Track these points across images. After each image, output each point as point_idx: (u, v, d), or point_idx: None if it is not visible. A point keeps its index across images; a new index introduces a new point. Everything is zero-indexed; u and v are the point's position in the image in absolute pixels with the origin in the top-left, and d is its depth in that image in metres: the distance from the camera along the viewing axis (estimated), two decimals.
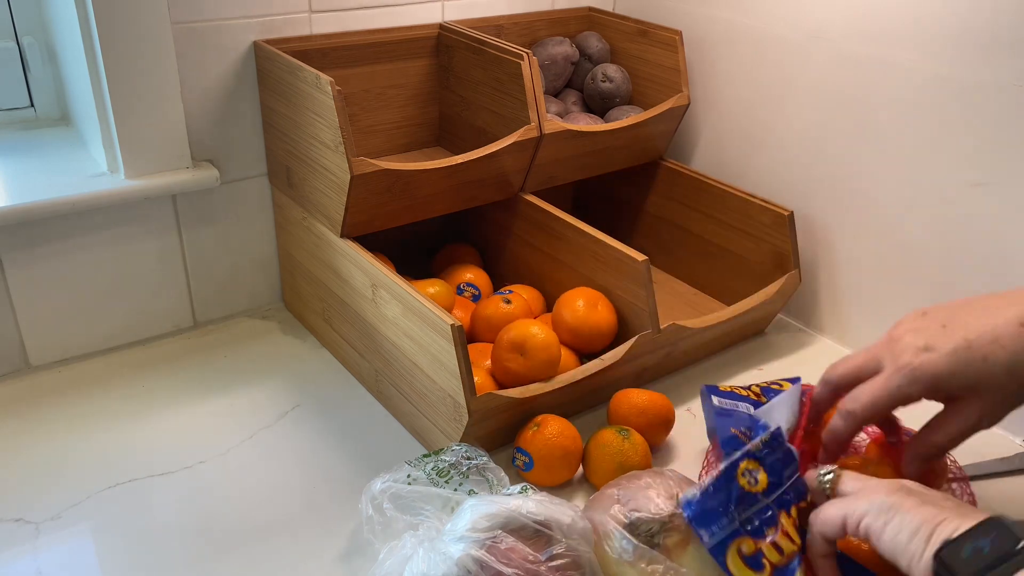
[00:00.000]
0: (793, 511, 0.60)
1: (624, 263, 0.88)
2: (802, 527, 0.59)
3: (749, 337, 1.04)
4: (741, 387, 0.79)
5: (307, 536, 0.72)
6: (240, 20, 0.89)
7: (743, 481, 0.59)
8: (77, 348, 0.93)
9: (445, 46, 1.03)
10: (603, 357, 0.85)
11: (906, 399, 0.62)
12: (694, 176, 1.09)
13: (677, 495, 0.64)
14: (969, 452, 0.83)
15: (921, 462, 0.64)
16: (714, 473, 0.60)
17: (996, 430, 0.89)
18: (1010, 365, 0.58)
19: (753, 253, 1.04)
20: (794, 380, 0.79)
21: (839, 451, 0.66)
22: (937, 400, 0.63)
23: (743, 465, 0.60)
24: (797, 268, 1.00)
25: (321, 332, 0.98)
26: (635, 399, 0.83)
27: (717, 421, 0.72)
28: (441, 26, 1.03)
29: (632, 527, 0.63)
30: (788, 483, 0.61)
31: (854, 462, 0.70)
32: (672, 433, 0.85)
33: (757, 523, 0.59)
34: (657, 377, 0.94)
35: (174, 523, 0.73)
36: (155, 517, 0.73)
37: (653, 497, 0.64)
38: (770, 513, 0.59)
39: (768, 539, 0.58)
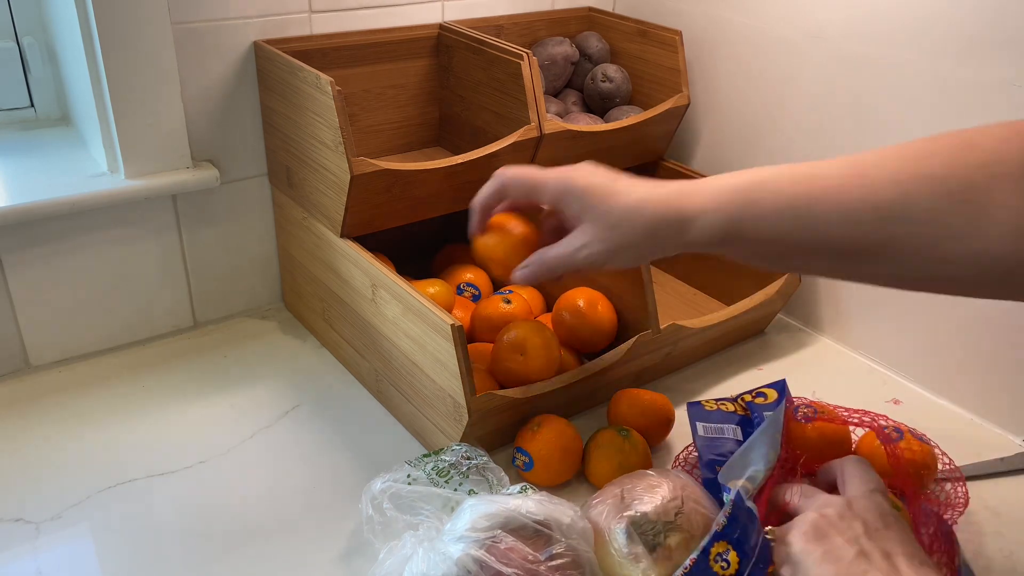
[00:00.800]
0: None
1: None
2: None
3: (749, 337, 1.04)
4: (728, 400, 0.78)
5: (307, 536, 0.72)
6: (240, 20, 0.89)
7: (716, 567, 0.60)
8: (77, 348, 0.93)
9: (445, 46, 1.03)
10: (603, 357, 0.85)
11: (543, 189, 0.66)
12: (694, 176, 1.09)
13: (680, 494, 0.64)
14: (969, 452, 0.83)
15: (532, 273, 0.69)
16: (687, 565, 0.60)
17: (996, 429, 0.90)
18: (628, 212, 0.61)
19: None
20: (778, 385, 0.78)
21: (482, 213, 0.73)
22: (567, 220, 0.66)
23: (714, 551, 0.60)
24: None
25: (321, 332, 0.98)
26: (635, 399, 0.83)
27: (702, 450, 0.72)
28: (441, 26, 1.03)
29: (634, 527, 0.63)
30: (755, 552, 0.60)
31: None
32: (672, 433, 0.85)
33: None
34: (657, 377, 0.95)
35: (174, 523, 0.73)
36: (155, 517, 0.73)
37: (656, 497, 0.64)
38: None
39: None
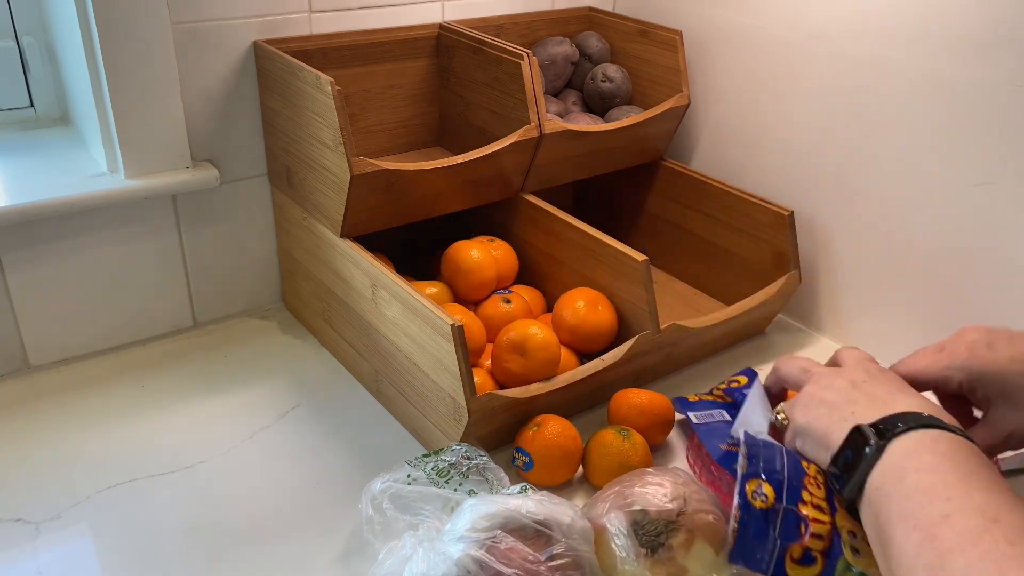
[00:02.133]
0: (805, 495, 0.61)
1: (624, 263, 0.88)
2: (819, 503, 0.61)
3: (749, 337, 1.04)
4: (706, 393, 0.83)
5: (307, 536, 0.72)
6: (240, 20, 0.89)
7: (757, 503, 0.61)
8: (77, 348, 0.93)
9: (445, 46, 1.03)
10: (603, 357, 0.85)
11: (946, 383, 0.64)
12: (694, 176, 1.09)
13: (683, 493, 0.64)
14: None
15: None
16: (734, 513, 0.61)
17: None
18: None
19: (753, 253, 1.04)
20: (747, 372, 0.83)
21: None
22: (974, 400, 0.64)
23: (748, 490, 0.62)
24: (797, 268, 1.00)
25: (321, 332, 0.98)
26: (635, 399, 0.83)
27: (704, 439, 0.74)
28: (441, 26, 1.03)
29: (637, 527, 0.63)
30: (786, 475, 0.62)
31: None
32: (672, 432, 0.85)
33: (791, 528, 0.60)
34: (657, 377, 0.94)
35: (174, 523, 0.73)
36: (155, 517, 0.73)
37: (657, 496, 0.64)
38: (794, 511, 0.61)
39: (806, 536, 0.60)
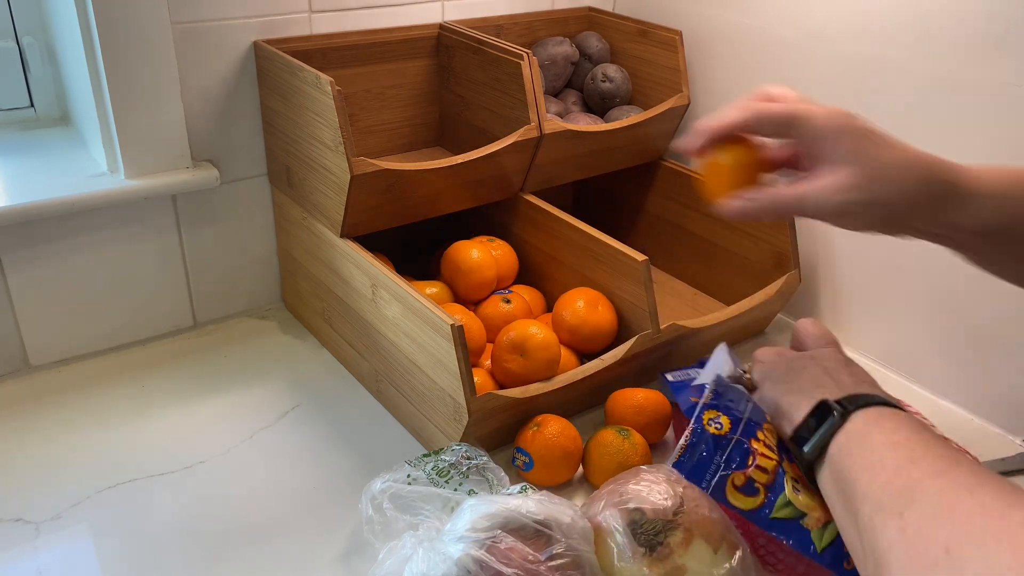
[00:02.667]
0: (760, 434, 0.66)
1: (624, 263, 0.88)
2: (771, 445, 0.66)
3: (749, 337, 1.04)
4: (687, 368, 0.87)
5: (307, 536, 0.72)
6: (240, 20, 0.89)
7: (711, 429, 0.67)
8: (77, 348, 0.93)
9: (445, 46, 1.03)
10: (603, 357, 0.85)
11: (807, 125, 0.59)
12: (694, 176, 1.09)
13: (679, 491, 0.64)
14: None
15: (755, 209, 0.62)
16: (686, 433, 0.67)
17: (996, 429, 0.90)
18: (919, 176, 0.57)
19: (753, 253, 1.04)
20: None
21: (710, 136, 0.63)
22: (807, 156, 0.60)
23: (705, 417, 0.67)
24: (797, 268, 1.00)
25: (321, 332, 0.98)
26: (632, 398, 0.83)
27: (677, 396, 0.78)
28: (441, 26, 1.03)
29: (635, 526, 0.63)
30: (746, 415, 0.67)
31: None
32: (671, 431, 0.85)
33: (738, 458, 0.65)
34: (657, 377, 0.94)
35: (174, 523, 0.73)
36: (155, 517, 0.73)
37: (654, 495, 0.64)
38: (744, 445, 0.66)
39: (751, 466, 0.65)
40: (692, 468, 0.66)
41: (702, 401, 0.69)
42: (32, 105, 0.97)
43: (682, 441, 0.67)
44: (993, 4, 0.80)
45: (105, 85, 0.83)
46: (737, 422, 0.67)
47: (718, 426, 0.67)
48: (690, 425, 0.67)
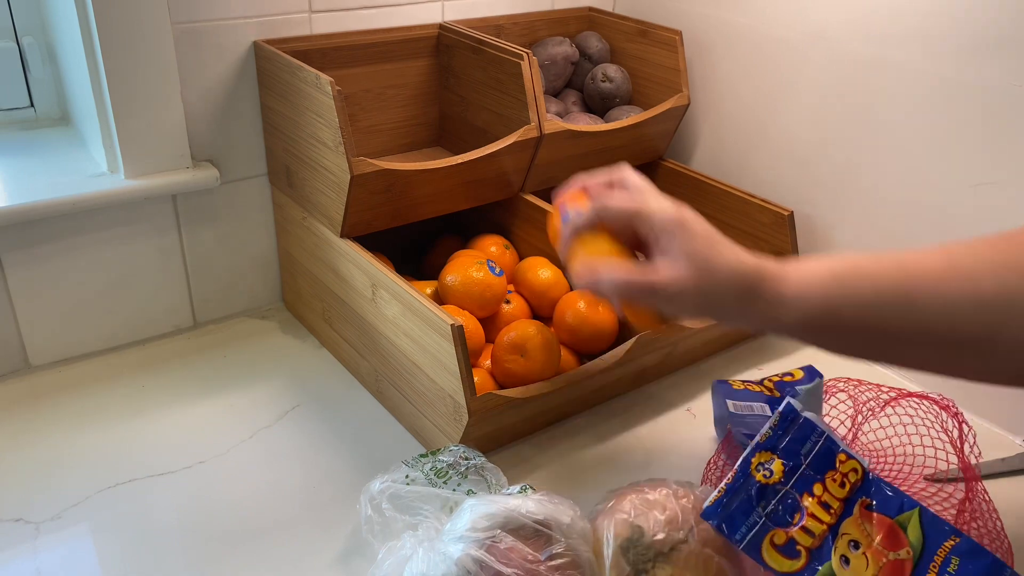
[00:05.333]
0: (817, 488, 0.60)
1: None
2: (829, 502, 0.60)
3: (749, 337, 1.04)
4: (754, 382, 0.80)
5: (306, 536, 0.72)
6: (240, 20, 0.89)
7: (758, 476, 0.60)
8: (77, 348, 0.93)
9: (445, 46, 1.03)
10: (603, 357, 0.85)
11: (650, 221, 0.64)
12: (694, 176, 1.09)
13: (692, 527, 0.62)
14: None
15: (595, 285, 0.66)
16: (729, 475, 0.61)
17: (996, 429, 0.90)
18: (730, 276, 0.61)
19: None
20: (806, 368, 0.80)
21: (575, 240, 0.69)
22: (650, 245, 0.65)
23: (755, 460, 0.61)
24: None
25: (321, 332, 0.98)
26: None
27: (733, 425, 0.73)
28: (441, 26, 1.03)
29: (628, 543, 0.61)
30: (808, 459, 0.61)
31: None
32: (672, 434, 0.85)
33: (782, 512, 0.59)
34: (657, 377, 0.94)
35: (174, 523, 0.73)
36: (155, 517, 0.73)
37: (663, 520, 0.62)
38: (792, 500, 0.60)
39: (797, 525, 0.59)
40: (727, 517, 0.59)
41: (756, 440, 0.61)
42: (32, 105, 0.97)
43: (721, 484, 0.60)
44: (993, 4, 0.80)
45: (105, 85, 0.83)
46: (792, 470, 0.60)
47: (767, 473, 0.60)
48: (734, 467, 0.60)
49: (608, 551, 0.61)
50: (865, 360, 0.64)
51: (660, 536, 0.61)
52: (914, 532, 0.59)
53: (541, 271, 0.94)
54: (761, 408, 0.76)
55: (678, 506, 0.63)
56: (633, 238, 0.67)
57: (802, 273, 0.60)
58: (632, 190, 0.67)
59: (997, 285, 0.53)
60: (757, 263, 0.61)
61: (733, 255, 0.62)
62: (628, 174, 0.69)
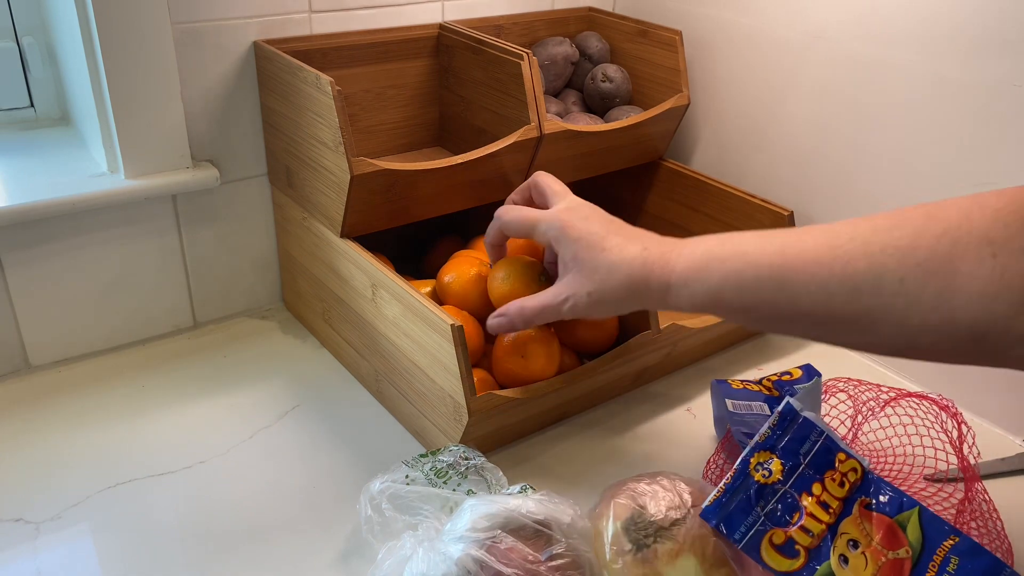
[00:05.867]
0: (816, 488, 0.60)
1: None
2: (828, 502, 0.60)
3: (749, 337, 1.04)
4: (752, 382, 0.80)
5: (306, 536, 0.72)
6: (240, 20, 0.89)
7: (757, 476, 0.60)
8: (77, 348, 0.93)
9: (445, 46, 1.03)
10: (603, 357, 0.85)
11: (539, 232, 0.69)
12: (694, 176, 1.09)
13: (689, 509, 0.63)
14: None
15: (508, 323, 0.72)
16: (728, 474, 0.61)
17: (996, 429, 0.90)
18: (614, 266, 0.64)
19: None
20: (804, 367, 0.81)
21: (494, 251, 0.79)
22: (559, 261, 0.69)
23: (754, 460, 0.61)
24: None
25: (321, 332, 0.98)
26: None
27: (732, 425, 0.73)
28: (441, 26, 1.03)
29: (629, 522, 0.62)
30: (807, 459, 0.61)
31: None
32: (672, 434, 0.85)
33: (780, 511, 0.60)
34: (657, 377, 0.95)
35: (174, 523, 0.73)
36: (155, 517, 0.73)
37: (663, 501, 0.64)
38: (791, 499, 0.60)
39: (795, 525, 0.59)
40: (726, 517, 0.60)
41: (755, 440, 0.62)
42: (32, 105, 0.97)
43: (720, 484, 0.61)
44: (993, 4, 0.80)
45: (105, 85, 0.83)
46: (791, 470, 0.61)
47: (766, 473, 0.60)
48: (733, 467, 0.61)
49: (608, 530, 0.62)
50: (759, 330, 0.67)
51: (660, 515, 0.62)
52: (913, 531, 0.60)
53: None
54: (760, 407, 0.77)
55: (675, 490, 0.64)
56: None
57: (688, 260, 0.62)
58: (546, 195, 0.71)
59: (870, 268, 0.55)
60: (642, 257, 0.63)
61: (617, 254, 0.64)
62: (541, 179, 0.73)
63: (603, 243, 0.65)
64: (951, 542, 0.59)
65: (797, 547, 0.59)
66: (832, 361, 1.01)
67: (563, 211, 0.68)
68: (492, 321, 0.73)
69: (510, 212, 0.72)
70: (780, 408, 0.63)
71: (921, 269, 0.53)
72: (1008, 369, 0.55)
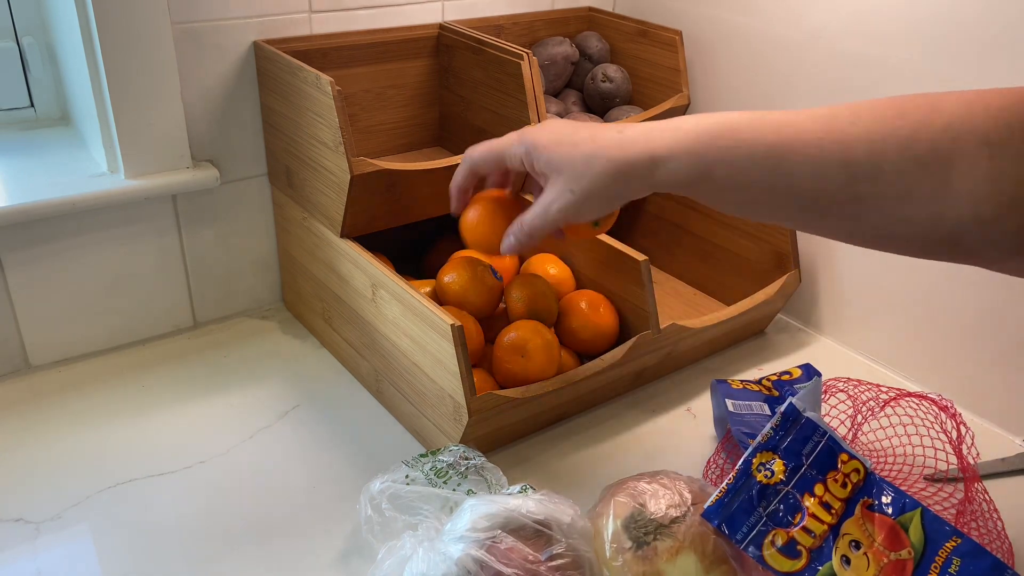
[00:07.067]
0: (818, 488, 0.60)
1: (624, 263, 0.88)
2: (830, 502, 0.60)
3: (749, 337, 1.04)
4: (752, 382, 0.80)
5: (307, 536, 0.72)
6: (240, 20, 0.89)
7: (759, 476, 0.60)
8: (77, 348, 0.93)
9: (445, 46, 1.03)
10: (603, 357, 0.85)
11: (509, 155, 0.68)
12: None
13: (690, 506, 0.63)
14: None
15: (516, 241, 0.69)
16: (730, 475, 0.61)
17: (996, 429, 0.90)
18: (590, 156, 0.62)
19: (753, 253, 1.04)
20: (804, 367, 0.80)
21: (459, 195, 0.75)
22: (538, 180, 0.67)
23: (756, 460, 0.61)
24: (797, 268, 1.00)
25: (321, 332, 0.98)
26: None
27: (732, 424, 0.73)
28: (441, 26, 1.03)
29: (630, 520, 0.63)
30: (809, 459, 0.61)
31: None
32: (672, 434, 0.85)
33: (782, 512, 0.60)
34: (657, 377, 0.95)
35: (174, 523, 0.73)
36: (155, 517, 0.73)
37: (663, 499, 0.64)
38: (793, 500, 0.60)
39: (797, 525, 0.59)
40: (728, 518, 0.60)
41: (757, 441, 0.62)
42: (32, 105, 0.97)
43: (722, 484, 0.61)
44: (993, 5, 0.80)
45: (105, 85, 0.83)
46: (793, 471, 0.60)
47: (768, 473, 0.60)
48: (736, 467, 0.61)
49: (608, 527, 0.62)
50: (738, 215, 0.65)
51: (660, 513, 0.62)
52: (916, 533, 0.60)
53: (550, 268, 0.95)
54: (760, 407, 0.77)
55: (676, 489, 0.64)
56: (519, 179, 0.71)
57: (674, 133, 0.60)
58: (493, 142, 0.70)
59: (869, 155, 0.54)
60: (618, 139, 0.62)
61: (590, 143, 0.62)
62: (479, 147, 0.72)
63: (573, 138, 0.63)
64: (953, 543, 0.59)
65: (799, 548, 0.59)
66: (832, 361, 1.01)
67: (528, 129, 0.67)
68: (504, 245, 0.71)
69: (477, 148, 0.71)
70: (782, 409, 0.63)
71: (919, 163, 0.52)
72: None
